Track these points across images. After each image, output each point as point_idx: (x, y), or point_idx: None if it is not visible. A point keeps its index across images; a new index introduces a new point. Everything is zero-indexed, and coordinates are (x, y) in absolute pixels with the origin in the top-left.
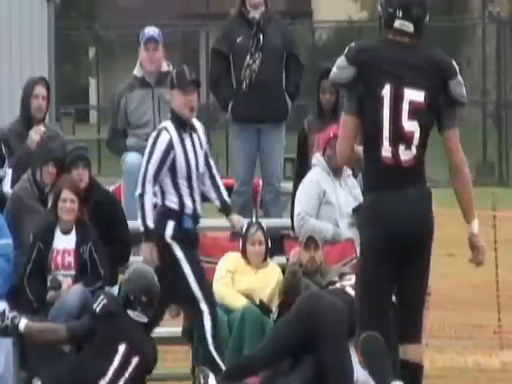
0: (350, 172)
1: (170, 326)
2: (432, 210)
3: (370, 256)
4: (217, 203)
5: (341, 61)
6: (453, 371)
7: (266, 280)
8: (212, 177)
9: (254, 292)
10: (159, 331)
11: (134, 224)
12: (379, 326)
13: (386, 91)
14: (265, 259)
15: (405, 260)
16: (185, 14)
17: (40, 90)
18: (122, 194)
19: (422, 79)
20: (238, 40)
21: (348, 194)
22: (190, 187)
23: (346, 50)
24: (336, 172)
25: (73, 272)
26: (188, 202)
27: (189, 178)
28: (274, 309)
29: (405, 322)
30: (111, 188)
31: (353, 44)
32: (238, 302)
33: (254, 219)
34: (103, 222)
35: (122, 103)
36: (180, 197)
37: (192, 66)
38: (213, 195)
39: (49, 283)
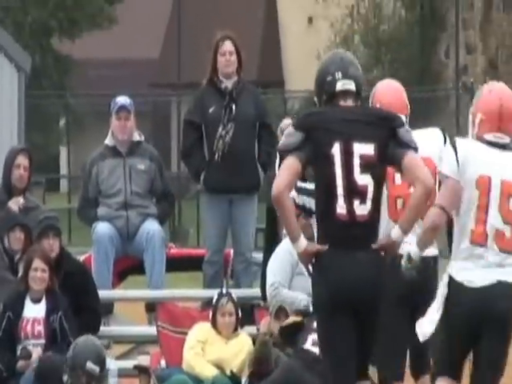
0: None
1: None
2: (382, 274)
3: (321, 311)
4: None
5: (288, 130)
6: None
7: (237, 350)
8: None
9: (224, 362)
10: None
11: (105, 294)
12: (344, 375)
13: (336, 149)
14: (235, 329)
15: (355, 319)
16: (155, 83)
17: (22, 160)
18: (92, 264)
19: (371, 132)
20: (211, 110)
21: None
22: None
23: (294, 120)
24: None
25: (43, 341)
26: None
27: None
28: (244, 379)
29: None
30: (82, 258)
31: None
32: (209, 372)
33: (224, 290)
34: (73, 291)
35: (94, 172)
36: None
37: (163, 136)
38: None
39: (19, 353)
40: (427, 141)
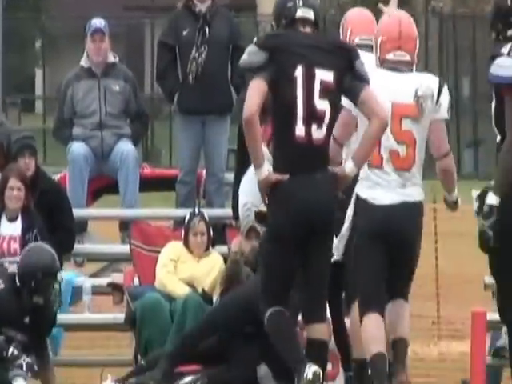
0: None
1: (113, 313)
2: (335, 193)
3: (274, 238)
4: None
5: (252, 47)
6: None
7: (208, 269)
8: None
9: (196, 280)
10: (102, 317)
11: (79, 212)
12: (282, 306)
13: (299, 72)
14: (207, 249)
15: (309, 244)
16: (129, 6)
17: None
18: (67, 183)
19: (330, 60)
20: (184, 33)
21: None
22: None
23: (256, 39)
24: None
25: (18, 258)
26: None
27: None
28: (216, 297)
29: (309, 303)
30: (57, 177)
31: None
32: (181, 290)
33: (196, 209)
34: (48, 209)
35: (69, 93)
36: None
37: (137, 57)
38: None
39: None
40: (423, 83)
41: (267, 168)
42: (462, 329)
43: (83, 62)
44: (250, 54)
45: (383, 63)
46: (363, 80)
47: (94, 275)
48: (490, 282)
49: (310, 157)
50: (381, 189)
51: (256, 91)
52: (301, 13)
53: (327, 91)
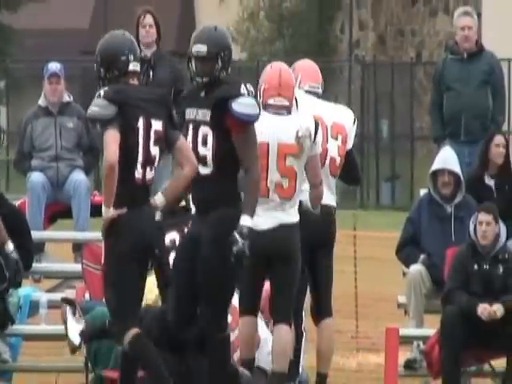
0: None
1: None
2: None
3: (116, 260)
4: None
5: (101, 101)
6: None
7: (151, 286)
8: None
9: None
10: (57, 328)
11: (37, 234)
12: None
13: (140, 123)
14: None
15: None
16: (85, 51)
17: None
18: (26, 208)
19: (161, 111)
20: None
21: None
22: None
23: (102, 93)
24: None
25: None
26: None
27: None
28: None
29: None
30: (17, 203)
31: (105, 88)
32: None
33: None
34: (10, 231)
35: (28, 129)
36: None
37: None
38: None
39: None
40: (342, 112)
41: (112, 210)
42: (378, 343)
43: (41, 102)
44: (101, 107)
45: (266, 108)
46: (177, 128)
47: (49, 291)
48: (402, 302)
49: (142, 195)
50: (264, 215)
51: (113, 140)
52: (132, 67)
53: (159, 139)
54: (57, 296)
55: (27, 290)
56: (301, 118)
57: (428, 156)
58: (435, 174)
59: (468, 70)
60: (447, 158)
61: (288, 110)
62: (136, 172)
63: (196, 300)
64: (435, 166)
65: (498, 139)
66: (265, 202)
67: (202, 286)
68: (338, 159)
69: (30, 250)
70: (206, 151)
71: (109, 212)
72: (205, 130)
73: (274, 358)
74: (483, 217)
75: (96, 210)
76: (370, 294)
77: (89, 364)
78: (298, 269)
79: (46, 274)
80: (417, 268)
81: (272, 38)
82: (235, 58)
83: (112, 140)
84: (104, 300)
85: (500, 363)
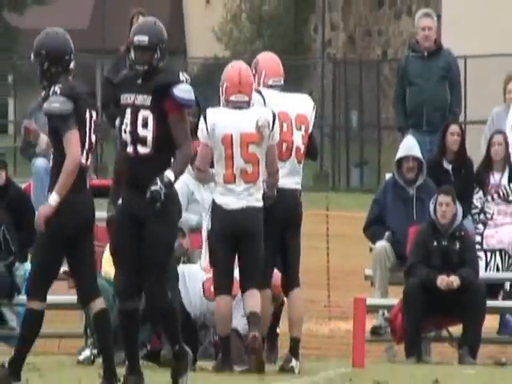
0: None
1: (68, 295)
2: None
3: (54, 235)
4: None
5: (59, 98)
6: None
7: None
8: None
9: None
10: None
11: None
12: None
13: (87, 115)
14: None
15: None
16: (83, 49)
17: None
18: (31, 190)
19: (94, 102)
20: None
21: (209, 193)
22: None
23: (59, 90)
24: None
25: None
26: None
27: None
28: None
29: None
30: (23, 186)
31: (59, 85)
32: None
33: None
34: (16, 211)
35: (33, 119)
36: None
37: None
38: None
39: None
40: (302, 102)
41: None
42: (348, 311)
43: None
44: (61, 103)
45: (228, 103)
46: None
47: None
48: (369, 274)
49: (84, 178)
50: (232, 197)
51: (76, 139)
52: (72, 66)
53: (96, 127)
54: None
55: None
56: (260, 110)
57: (393, 144)
58: (400, 161)
59: (428, 66)
60: (410, 146)
61: (248, 104)
62: (82, 159)
63: (139, 272)
64: (400, 153)
65: (453, 128)
66: (232, 188)
67: (147, 258)
68: (303, 147)
69: (33, 229)
70: (147, 132)
71: (56, 200)
72: (145, 113)
73: (247, 303)
74: (443, 198)
75: (94, 192)
76: (340, 268)
77: (88, 329)
78: (262, 245)
79: None
80: (382, 244)
81: (253, 38)
82: (219, 56)
83: (76, 139)
84: (101, 272)
85: (457, 329)
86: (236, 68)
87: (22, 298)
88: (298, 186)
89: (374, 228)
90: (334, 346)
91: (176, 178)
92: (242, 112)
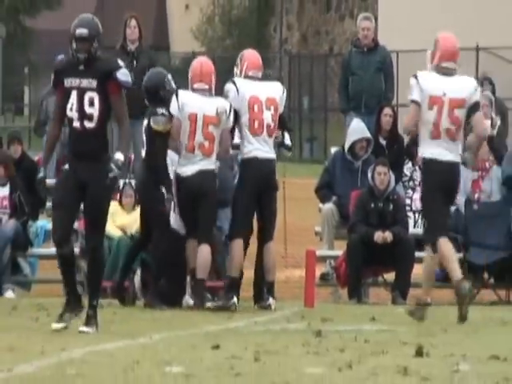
0: None
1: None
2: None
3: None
4: None
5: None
6: (249, 280)
7: (134, 219)
8: None
9: (126, 227)
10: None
11: (50, 182)
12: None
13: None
14: (134, 206)
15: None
16: None
17: None
18: (42, 162)
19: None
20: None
21: None
22: None
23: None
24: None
25: (8, 211)
26: None
27: None
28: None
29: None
30: (36, 158)
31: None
32: (115, 233)
33: (127, 180)
34: (29, 179)
35: (44, 104)
36: None
37: None
38: None
39: None
40: (272, 87)
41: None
42: (301, 261)
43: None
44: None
45: (193, 91)
46: None
47: None
48: (318, 231)
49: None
50: (190, 165)
51: (61, 111)
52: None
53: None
54: None
55: (43, 222)
56: (219, 99)
57: (338, 123)
58: (354, 142)
59: (367, 60)
60: (362, 128)
61: (210, 91)
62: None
63: (73, 223)
64: (355, 136)
65: (387, 110)
66: (191, 156)
67: (89, 212)
68: (273, 124)
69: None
70: (93, 110)
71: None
72: (91, 94)
73: (197, 268)
74: (380, 169)
75: None
76: (295, 225)
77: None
78: (215, 203)
79: None
80: (329, 206)
81: (224, 37)
82: (196, 51)
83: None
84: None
85: (390, 276)
86: (199, 61)
87: (34, 250)
88: (273, 156)
89: (323, 192)
90: (290, 290)
91: (125, 155)
92: (206, 98)
